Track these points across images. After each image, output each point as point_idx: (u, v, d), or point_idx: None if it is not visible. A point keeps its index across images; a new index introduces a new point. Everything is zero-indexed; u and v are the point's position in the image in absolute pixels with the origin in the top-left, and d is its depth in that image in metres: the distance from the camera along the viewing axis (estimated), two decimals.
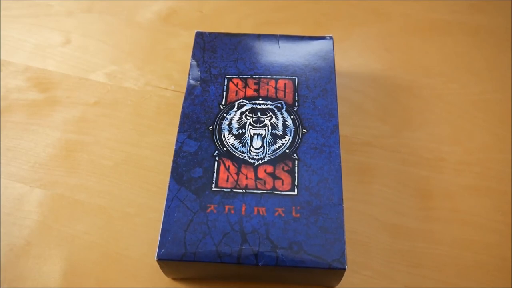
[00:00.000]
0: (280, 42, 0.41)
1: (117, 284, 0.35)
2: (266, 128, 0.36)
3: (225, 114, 0.37)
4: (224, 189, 0.33)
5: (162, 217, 0.32)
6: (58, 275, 0.36)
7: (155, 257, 0.30)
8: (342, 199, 0.32)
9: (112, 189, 0.40)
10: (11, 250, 0.37)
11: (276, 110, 0.37)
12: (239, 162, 0.34)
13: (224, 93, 0.38)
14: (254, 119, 0.36)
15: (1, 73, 0.48)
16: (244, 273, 0.33)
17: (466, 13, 0.53)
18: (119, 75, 0.48)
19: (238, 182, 0.33)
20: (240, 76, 0.39)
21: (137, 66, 0.49)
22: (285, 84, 0.39)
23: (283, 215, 0.32)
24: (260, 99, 0.38)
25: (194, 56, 0.41)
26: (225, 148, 0.35)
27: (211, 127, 0.36)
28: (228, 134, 0.36)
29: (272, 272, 0.32)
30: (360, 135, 0.43)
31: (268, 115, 0.37)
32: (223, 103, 0.37)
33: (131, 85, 0.47)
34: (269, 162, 0.34)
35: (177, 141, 0.35)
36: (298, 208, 0.32)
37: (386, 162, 0.41)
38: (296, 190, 0.33)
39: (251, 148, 0.35)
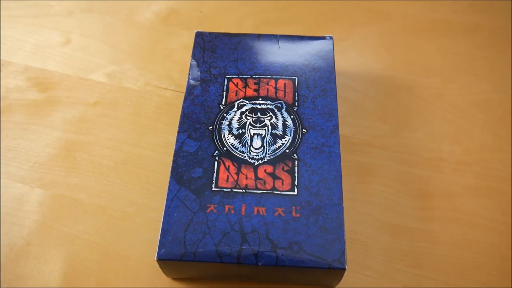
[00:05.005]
0: (280, 42, 0.41)
1: (117, 284, 0.35)
2: (266, 128, 0.36)
3: (225, 114, 0.37)
4: (224, 189, 0.33)
5: (162, 217, 0.32)
6: (58, 275, 0.36)
7: (155, 257, 0.30)
8: (342, 199, 0.32)
9: (112, 189, 0.40)
10: (11, 250, 0.37)
11: (276, 110, 0.37)
12: (239, 162, 0.34)
13: (224, 93, 0.38)
14: (254, 119, 0.36)
15: (1, 73, 0.48)
16: (244, 273, 0.33)
17: (466, 13, 0.53)
18: (119, 75, 0.48)
19: (238, 182, 0.33)
20: (240, 76, 0.39)
21: (137, 66, 0.49)
22: (285, 84, 0.39)
23: (283, 215, 0.32)
24: (260, 99, 0.38)
25: (194, 56, 0.41)
26: (225, 148, 0.35)
27: (211, 127, 0.36)
28: (228, 134, 0.36)
29: (272, 272, 0.32)
30: (360, 135, 0.43)
31: (268, 115, 0.37)
32: (223, 103, 0.37)
33: (131, 85, 0.47)
34: (269, 162, 0.34)
35: (177, 141, 0.35)
36: (298, 208, 0.32)
37: (386, 162, 0.41)
38: (296, 190, 0.33)
39: (251, 148, 0.35)
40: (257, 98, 0.38)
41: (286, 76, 0.39)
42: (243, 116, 0.37)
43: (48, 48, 0.51)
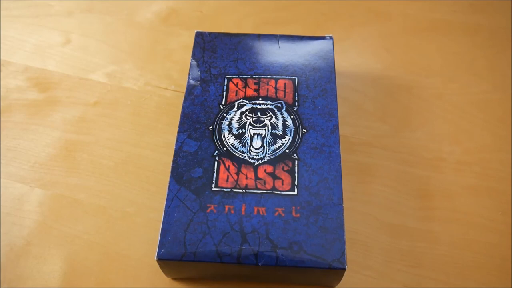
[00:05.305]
0: (280, 42, 0.41)
1: (117, 284, 0.35)
2: (266, 128, 0.36)
3: (225, 114, 0.37)
4: (224, 189, 0.33)
5: (162, 217, 0.32)
6: (58, 275, 0.36)
7: (155, 257, 0.30)
8: (342, 199, 0.32)
9: (112, 189, 0.40)
10: (11, 250, 0.37)
11: (276, 110, 0.37)
12: (239, 162, 0.34)
13: (224, 93, 0.38)
14: (254, 119, 0.36)
15: (1, 73, 0.48)
16: (244, 273, 0.33)
17: (466, 13, 0.53)
18: (119, 75, 0.48)
19: (238, 182, 0.33)
20: (240, 76, 0.39)
21: (137, 66, 0.49)
22: (285, 84, 0.39)
23: (283, 215, 0.32)
24: (260, 99, 0.38)
25: (194, 56, 0.41)
26: (225, 148, 0.35)
27: (211, 127, 0.36)
28: (228, 134, 0.36)
29: (272, 272, 0.32)
30: (360, 135, 0.43)
31: (268, 115, 0.37)
32: (223, 103, 0.37)
33: (131, 85, 0.47)
34: (269, 162, 0.34)
35: (177, 141, 0.35)
36: (298, 208, 0.32)
37: (386, 162, 0.41)
38: (296, 190, 0.33)
39: (251, 148, 0.35)
40: (257, 98, 0.38)
41: (286, 76, 0.39)
42: (243, 116, 0.37)
43: (48, 48, 0.51)
